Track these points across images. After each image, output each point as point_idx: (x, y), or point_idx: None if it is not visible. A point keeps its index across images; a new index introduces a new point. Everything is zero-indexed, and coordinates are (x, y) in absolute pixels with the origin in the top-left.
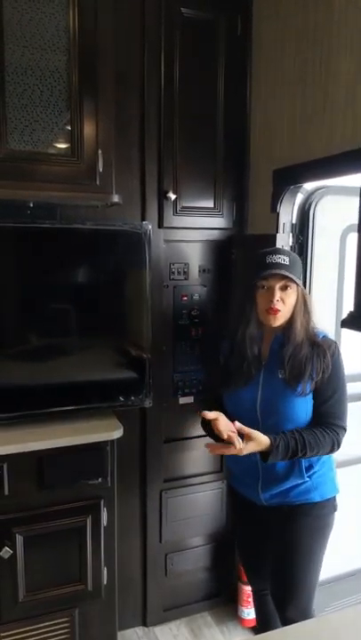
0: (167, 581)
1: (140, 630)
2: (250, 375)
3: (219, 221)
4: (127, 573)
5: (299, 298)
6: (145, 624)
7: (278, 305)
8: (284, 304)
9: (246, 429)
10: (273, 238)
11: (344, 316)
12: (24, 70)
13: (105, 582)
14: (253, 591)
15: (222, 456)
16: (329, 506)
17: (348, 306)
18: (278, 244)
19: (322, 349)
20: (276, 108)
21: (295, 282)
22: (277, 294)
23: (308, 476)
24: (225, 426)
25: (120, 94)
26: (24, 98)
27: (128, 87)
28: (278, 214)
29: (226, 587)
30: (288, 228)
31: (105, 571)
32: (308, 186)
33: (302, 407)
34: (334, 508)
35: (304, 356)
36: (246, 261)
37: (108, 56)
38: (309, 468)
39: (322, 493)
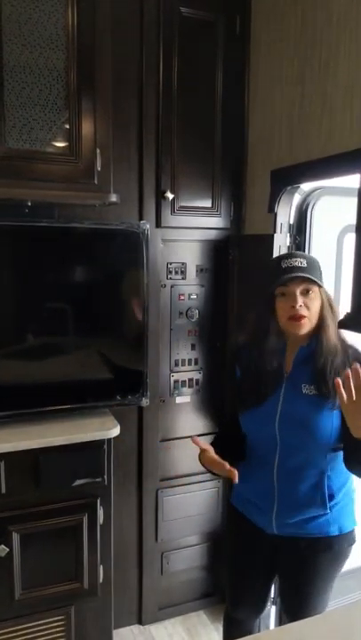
0: (163, 580)
1: (135, 629)
2: (268, 391)
3: (216, 221)
4: (123, 572)
5: (324, 301)
6: (140, 622)
7: (302, 310)
8: (308, 309)
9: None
10: (270, 238)
11: (341, 316)
12: (22, 68)
13: (101, 580)
14: (227, 617)
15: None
16: (348, 540)
17: (346, 307)
18: (276, 245)
19: (355, 357)
20: (274, 109)
21: (317, 284)
22: (300, 299)
23: (329, 508)
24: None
25: (118, 93)
26: (22, 96)
27: (126, 86)
28: (276, 214)
29: (221, 585)
30: (286, 228)
31: (101, 569)
32: (306, 186)
33: (328, 424)
34: (353, 541)
35: (338, 366)
36: (243, 261)
37: (106, 55)
38: (331, 497)
39: (341, 527)
